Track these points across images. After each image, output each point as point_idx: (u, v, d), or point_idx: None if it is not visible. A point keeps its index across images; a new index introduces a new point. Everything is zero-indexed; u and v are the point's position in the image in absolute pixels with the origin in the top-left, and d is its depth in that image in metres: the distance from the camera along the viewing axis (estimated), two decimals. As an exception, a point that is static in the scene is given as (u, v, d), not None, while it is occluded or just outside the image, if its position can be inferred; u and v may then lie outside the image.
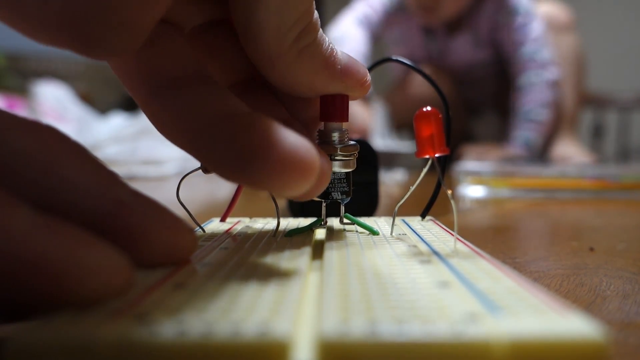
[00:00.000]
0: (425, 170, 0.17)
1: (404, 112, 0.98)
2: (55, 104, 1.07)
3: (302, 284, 0.12)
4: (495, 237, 0.31)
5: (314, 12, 0.16)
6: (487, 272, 0.13)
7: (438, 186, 0.22)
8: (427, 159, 0.16)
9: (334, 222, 0.21)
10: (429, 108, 0.16)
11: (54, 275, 0.10)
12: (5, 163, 0.12)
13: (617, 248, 0.26)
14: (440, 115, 0.16)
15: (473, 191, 0.54)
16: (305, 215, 0.25)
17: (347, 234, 0.19)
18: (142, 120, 0.92)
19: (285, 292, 0.11)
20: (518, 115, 1.03)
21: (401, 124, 1.06)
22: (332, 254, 0.15)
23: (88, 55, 0.13)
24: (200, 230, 0.20)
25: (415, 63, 0.23)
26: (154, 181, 0.69)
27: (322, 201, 0.19)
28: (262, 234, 0.19)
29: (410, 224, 0.21)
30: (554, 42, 1.10)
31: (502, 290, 0.11)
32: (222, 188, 0.63)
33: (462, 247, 0.16)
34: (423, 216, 0.23)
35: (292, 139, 0.13)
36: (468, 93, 1.14)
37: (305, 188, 0.13)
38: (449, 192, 0.15)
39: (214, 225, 0.21)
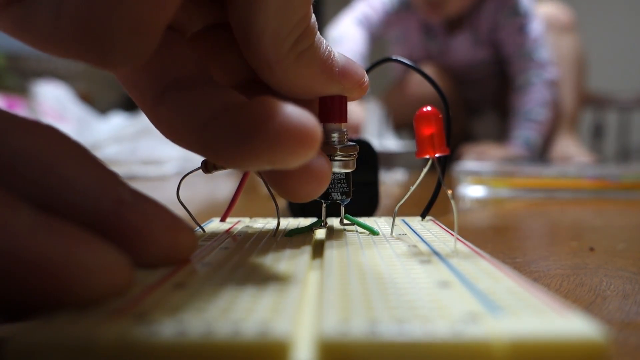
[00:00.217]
0: (425, 170, 0.17)
1: (404, 112, 0.98)
2: (55, 104, 1.07)
3: (302, 283, 0.12)
4: (495, 237, 0.31)
5: (311, 16, 0.16)
6: (487, 272, 0.13)
7: (438, 186, 0.22)
8: (427, 159, 0.16)
9: (334, 222, 0.21)
10: (429, 108, 0.16)
11: (54, 275, 0.10)
12: (5, 163, 0.12)
13: (617, 248, 0.26)
14: (440, 115, 0.16)
15: (473, 191, 0.55)
16: (305, 215, 0.25)
17: (347, 233, 0.19)
18: (142, 120, 0.92)
19: (285, 291, 0.11)
20: (518, 115, 1.03)
21: (400, 123, 1.06)
22: (332, 253, 0.15)
23: (103, 65, 0.13)
24: (200, 230, 0.20)
25: (415, 62, 0.23)
26: (154, 181, 0.69)
27: (322, 202, 0.19)
28: (262, 234, 0.19)
29: (411, 224, 0.21)
30: (554, 42, 1.10)
31: (502, 290, 0.11)
32: (222, 188, 0.63)
33: (462, 247, 0.16)
34: (423, 216, 0.23)
35: (292, 110, 0.13)
36: (468, 93, 1.14)
37: (308, 156, 0.13)
38: (449, 192, 0.15)
39: (214, 225, 0.21)
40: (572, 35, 1.16)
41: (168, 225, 0.13)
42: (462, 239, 0.17)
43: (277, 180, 0.17)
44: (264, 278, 0.12)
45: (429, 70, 1.04)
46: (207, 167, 0.19)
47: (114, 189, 0.12)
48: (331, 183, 0.19)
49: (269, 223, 0.22)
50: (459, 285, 0.12)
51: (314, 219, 0.21)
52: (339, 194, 0.19)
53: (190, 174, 0.19)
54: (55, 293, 0.10)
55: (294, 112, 0.13)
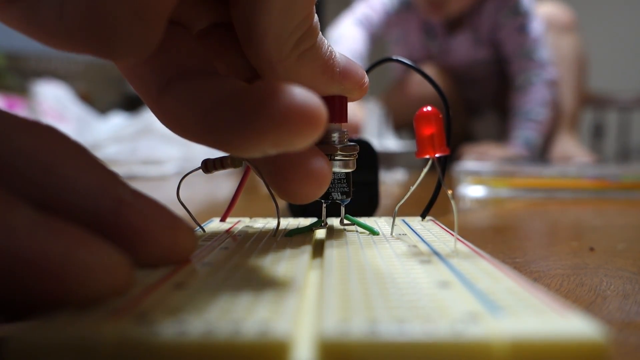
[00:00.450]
0: (425, 170, 0.17)
1: (404, 112, 0.98)
2: (55, 104, 1.07)
3: (302, 283, 0.12)
4: (495, 237, 0.31)
5: (314, 16, 0.16)
6: (487, 272, 0.13)
7: (438, 186, 0.22)
8: (427, 159, 0.16)
9: (334, 222, 0.21)
10: (429, 108, 0.16)
11: (54, 275, 0.10)
12: (5, 163, 0.12)
13: (617, 248, 0.26)
14: (440, 116, 0.16)
15: (473, 191, 0.54)
16: (305, 215, 0.25)
17: (347, 233, 0.19)
18: (142, 120, 0.92)
19: (286, 291, 0.11)
20: (518, 115, 1.03)
21: (401, 123, 1.06)
22: (332, 253, 0.15)
23: (109, 56, 0.13)
24: (200, 230, 0.20)
25: (415, 62, 0.23)
26: (154, 181, 0.69)
27: (322, 202, 0.19)
28: (262, 234, 0.19)
29: (411, 224, 0.21)
30: (555, 42, 1.10)
31: (502, 290, 0.11)
32: (222, 188, 0.63)
33: (462, 247, 0.16)
34: (423, 216, 0.23)
35: (297, 90, 0.13)
36: (468, 93, 1.14)
37: (313, 136, 0.13)
38: (449, 192, 0.15)
39: (214, 225, 0.21)
40: (573, 35, 1.16)
41: (168, 225, 0.13)
42: (462, 239, 0.17)
43: (277, 182, 0.17)
44: (264, 278, 0.12)
45: (429, 70, 1.04)
46: (207, 167, 0.19)
47: (113, 189, 0.12)
48: (331, 183, 0.19)
49: (269, 223, 0.22)
50: (459, 285, 0.12)
51: (314, 219, 0.21)
52: (339, 193, 0.19)
53: (190, 174, 0.19)
54: (55, 293, 0.10)
55: (298, 92, 0.13)
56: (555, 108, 1.08)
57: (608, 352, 0.09)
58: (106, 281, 0.10)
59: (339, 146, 0.18)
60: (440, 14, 1.03)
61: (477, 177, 0.55)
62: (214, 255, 0.15)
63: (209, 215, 0.24)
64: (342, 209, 0.20)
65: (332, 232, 0.19)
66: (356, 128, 0.92)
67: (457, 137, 1.08)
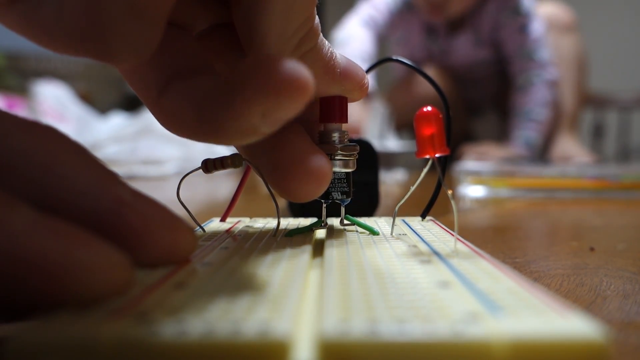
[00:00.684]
0: (425, 170, 0.17)
1: (408, 112, 0.98)
2: (55, 104, 1.07)
3: (302, 283, 0.12)
4: (495, 237, 0.31)
5: (315, 18, 0.16)
6: (487, 272, 0.13)
7: (438, 186, 0.22)
8: (428, 159, 0.16)
9: (334, 222, 0.21)
10: (429, 108, 0.16)
11: (53, 275, 0.10)
12: (5, 163, 0.12)
13: (617, 248, 0.26)
14: (440, 116, 0.16)
15: (473, 191, 0.55)
16: (305, 215, 0.25)
17: (347, 233, 0.19)
18: (142, 120, 0.92)
19: (286, 291, 0.11)
20: (519, 115, 1.03)
21: (404, 123, 1.07)
22: (332, 253, 0.15)
23: (109, 58, 0.13)
24: (200, 230, 0.20)
25: (416, 63, 0.23)
26: (154, 181, 0.69)
27: (322, 202, 0.19)
28: (262, 234, 0.19)
29: (411, 224, 0.21)
30: (555, 42, 1.10)
31: (502, 290, 0.11)
32: (222, 188, 0.63)
33: (462, 247, 0.16)
34: (423, 216, 0.23)
35: (283, 60, 0.13)
36: (469, 93, 1.14)
37: (301, 103, 0.13)
38: (450, 192, 0.15)
39: (214, 225, 0.21)
40: (573, 35, 1.16)
41: (168, 225, 0.13)
42: (462, 239, 0.17)
43: (277, 180, 0.17)
44: (264, 278, 0.12)
45: (430, 70, 1.04)
46: (207, 167, 0.19)
47: (113, 189, 0.12)
48: (331, 182, 0.19)
49: (269, 223, 0.22)
50: (459, 285, 0.12)
51: (314, 219, 0.21)
52: (339, 193, 0.19)
53: (190, 174, 0.19)
54: (55, 293, 0.10)
55: (284, 61, 0.13)
56: (556, 108, 1.08)
57: (608, 352, 0.09)
58: (106, 281, 0.10)
59: (339, 146, 0.18)
60: (440, 16, 1.03)
61: (477, 177, 0.55)
62: (214, 255, 0.15)
63: (209, 215, 0.24)
64: (342, 209, 0.20)
65: (332, 232, 0.19)
66: (357, 130, 0.92)
67: (457, 137, 1.08)
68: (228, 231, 0.20)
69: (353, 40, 1.03)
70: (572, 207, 0.46)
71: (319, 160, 0.16)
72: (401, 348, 0.09)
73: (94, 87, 1.77)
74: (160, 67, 0.16)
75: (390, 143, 0.94)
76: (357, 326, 0.09)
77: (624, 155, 1.81)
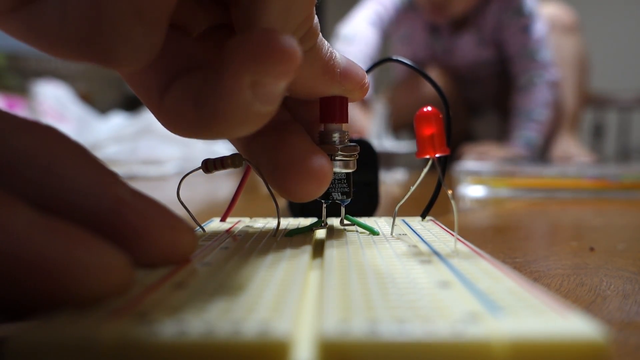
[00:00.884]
0: (425, 170, 0.17)
1: (411, 112, 0.98)
2: (55, 104, 1.07)
3: (302, 283, 0.12)
4: (495, 237, 0.31)
5: (314, 18, 0.16)
6: (487, 272, 0.13)
7: (438, 186, 0.22)
8: (428, 159, 0.16)
9: (334, 222, 0.21)
10: (429, 108, 0.16)
11: (53, 275, 0.10)
12: (4, 163, 0.12)
13: (617, 248, 0.26)
14: (440, 116, 0.16)
15: (473, 191, 0.55)
16: (305, 215, 0.25)
17: (348, 233, 0.19)
18: (142, 120, 0.92)
19: (286, 291, 0.11)
20: (519, 115, 1.03)
21: (406, 123, 1.06)
22: (332, 253, 0.15)
23: (112, 63, 0.13)
24: (200, 230, 0.20)
25: (419, 61, 0.23)
26: (154, 181, 0.69)
27: (322, 202, 0.19)
28: (262, 234, 0.19)
29: (411, 224, 0.21)
30: (557, 43, 1.10)
31: (503, 290, 0.11)
32: (222, 188, 0.63)
33: (462, 247, 0.16)
34: (423, 216, 0.23)
35: (270, 31, 0.13)
36: (470, 92, 1.14)
37: (288, 70, 0.13)
38: (449, 192, 0.15)
39: (214, 225, 0.21)
40: (575, 36, 1.16)
41: (168, 225, 0.13)
42: (462, 239, 0.17)
43: (277, 180, 0.17)
44: (264, 278, 0.12)
45: (432, 70, 1.04)
46: (207, 167, 0.19)
47: (113, 189, 0.12)
48: (332, 183, 0.19)
49: (269, 223, 0.22)
50: (459, 285, 0.12)
51: (314, 219, 0.21)
52: (339, 194, 0.19)
53: (190, 174, 0.19)
54: (55, 293, 0.10)
55: (268, 31, 0.13)
56: (557, 109, 1.08)
57: (608, 352, 0.09)
58: (106, 281, 0.10)
59: (339, 146, 0.18)
60: (443, 16, 1.03)
61: (477, 177, 0.55)
62: (214, 255, 0.15)
63: (209, 215, 0.24)
64: (342, 210, 0.20)
65: (332, 232, 0.19)
66: (360, 131, 0.92)
67: (457, 137, 1.08)
68: (228, 231, 0.20)
69: (358, 40, 1.03)
70: (572, 207, 0.46)
71: (320, 160, 0.16)
72: (401, 348, 0.09)
73: (94, 87, 1.77)
74: (161, 70, 0.16)
75: (390, 143, 0.94)
76: (357, 326, 0.09)
77: (624, 155, 1.81)
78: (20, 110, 1.07)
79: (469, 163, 0.72)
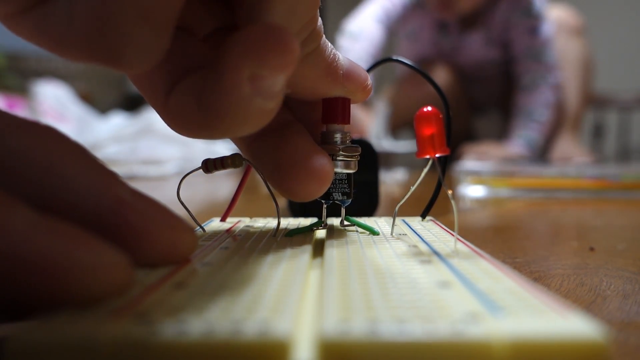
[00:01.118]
0: (425, 170, 0.17)
1: (414, 109, 0.98)
2: (55, 104, 1.07)
3: (302, 283, 0.12)
4: (495, 237, 0.31)
5: (318, 20, 0.16)
6: (488, 272, 0.13)
7: (438, 186, 0.22)
8: (428, 159, 0.16)
9: (334, 222, 0.21)
10: (429, 108, 0.16)
11: (53, 275, 0.10)
12: (4, 163, 0.12)
13: (617, 248, 0.26)
14: (440, 116, 0.16)
15: (473, 191, 0.55)
16: (305, 215, 0.25)
17: (348, 233, 0.19)
18: (142, 120, 0.92)
19: (286, 291, 0.11)
20: (521, 114, 1.03)
21: (408, 121, 1.06)
22: (332, 253, 0.15)
23: (119, 64, 0.13)
24: (200, 230, 0.20)
25: (425, 59, 0.23)
26: (154, 181, 0.69)
27: (322, 202, 0.19)
28: (262, 234, 0.19)
29: (411, 224, 0.21)
30: (563, 45, 1.10)
31: (503, 290, 0.11)
32: (222, 188, 0.63)
33: (462, 247, 0.16)
34: (423, 216, 0.23)
35: (268, 24, 0.13)
36: (474, 91, 1.14)
37: (286, 61, 0.13)
38: (449, 192, 0.15)
39: (214, 225, 0.21)
40: (581, 39, 1.16)
41: (168, 225, 0.13)
42: (462, 239, 0.17)
43: (278, 180, 0.17)
44: (264, 278, 0.12)
45: (438, 68, 1.04)
46: (207, 167, 0.19)
47: (113, 189, 0.12)
48: (332, 183, 0.19)
49: (269, 223, 0.22)
50: (459, 285, 0.12)
51: (315, 219, 0.21)
52: (340, 194, 0.19)
53: (190, 174, 0.19)
54: (55, 293, 0.10)
55: (266, 25, 0.13)
56: (558, 110, 1.08)
57: (608, 352, 0.09)
58: (106, 281, 0.10)
59: (341, 147, 0.18)
60: (450, 13, 1.03)
61: (477, 177, 0.55)
62: (214, 255, 0.15)
63: (209, 215, 0.24)
64: (343, 210, 0.20)
65: (332, 232, 0.19)
66: (362, 131, 0.92)
67: (460, 135, 1.08)
68: (228, 231, 0.20)
69: (364, 38, 1.03)
70: (572, 207, 0.46)
71: (321, 160, 0.16)
72: (401, 348, 0.09)
73: (94, 87, 1.77)
74: (167, 71, 0.16)
75: (390, 143, 0.94)
76: (357, 326, 0.09)
77: (624, 155, 1.81)
78: (20, 110, 1.07)
79: (469, 163, 0.72)
